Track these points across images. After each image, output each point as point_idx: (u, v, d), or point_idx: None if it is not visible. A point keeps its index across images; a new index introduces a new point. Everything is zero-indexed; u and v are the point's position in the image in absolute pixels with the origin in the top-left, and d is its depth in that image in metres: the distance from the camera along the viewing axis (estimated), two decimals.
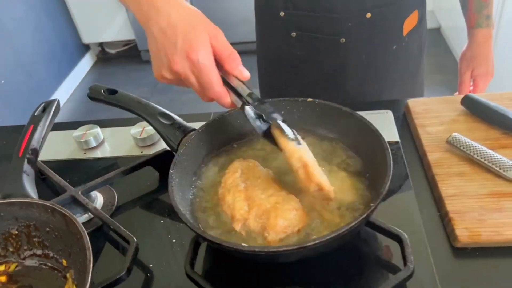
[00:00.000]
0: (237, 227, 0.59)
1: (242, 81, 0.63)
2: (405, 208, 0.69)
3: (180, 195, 0.62)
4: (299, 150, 0.60)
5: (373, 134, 0.65)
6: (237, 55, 0.62)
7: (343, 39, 0.97)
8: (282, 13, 0.99)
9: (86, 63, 3.59)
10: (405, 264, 0.56)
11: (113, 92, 0.81)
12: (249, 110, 0.62)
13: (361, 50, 1.00)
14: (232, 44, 0.63)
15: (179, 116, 0.78)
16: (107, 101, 0.80)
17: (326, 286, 0.60)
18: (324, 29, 0.97)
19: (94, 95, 0.81)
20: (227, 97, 0.62)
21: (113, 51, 3.72)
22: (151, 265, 0.66)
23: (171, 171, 0.64)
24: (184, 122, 0.76)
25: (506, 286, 0.58)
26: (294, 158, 0.60)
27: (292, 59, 1.06)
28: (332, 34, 0.97)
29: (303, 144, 0.62)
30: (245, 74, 0.62)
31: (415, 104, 0.88)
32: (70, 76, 3.35)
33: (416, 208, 0.69)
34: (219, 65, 0.61)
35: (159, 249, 0.69)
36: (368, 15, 0.93)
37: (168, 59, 0.60)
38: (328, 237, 0.50)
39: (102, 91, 0.80)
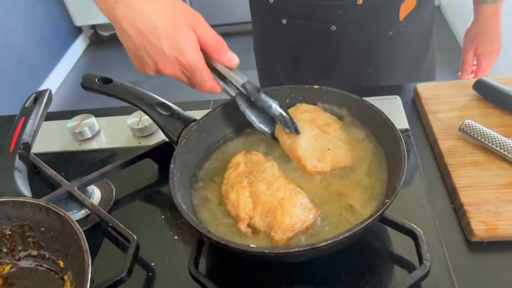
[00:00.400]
0: (243, 227, 0.56)
1: (233, 68, 0.62)
2: (416, 200, 0.66)
3: (181, 191, 0.59)
4: (292, 149, 0.64)
5: (385, 123, 0.62)
6: (223, 43, 0.61)
7: (334, 27, 0.92)
8: (271, 0, 0.94)
9: (79, 46, 3.51)
10: (420, 262, 0.53)
11: (107, 81, 0.76)
12: (247, 112, 0.65)
13: (354, 38, 0.94)
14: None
15: (177, 104, 0.75)
16: (102, 90, 0.76)
17: (335, 285, 0.58)
18: (314, 17, 0.92)
19: (87, 84, 0.77)
20: (218, 88, 0.63)
21: (106, 34, 3.63)
22: (152, 264, 0.64)
23: (171, 165, 0.60)
24: (184, 113, 0.72)
25: None
26: (291, 155, 0.65)
27: (285, 46, 1.02)
28: (323, 22, 0.92)
29: (301, 132, 0.65)
30: (234, 61, 0.62)
31: (424, 89, 0.84)
32: (63, 60, 3.27)
33: (428, 200, 0.66)
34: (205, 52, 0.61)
35: (161, 246, 0.66)
36: (360, 1, 0.87)
37: (154, 62, 0.60)
38: (341, 237, 0.47)
39: (96, 80, 0.76)
